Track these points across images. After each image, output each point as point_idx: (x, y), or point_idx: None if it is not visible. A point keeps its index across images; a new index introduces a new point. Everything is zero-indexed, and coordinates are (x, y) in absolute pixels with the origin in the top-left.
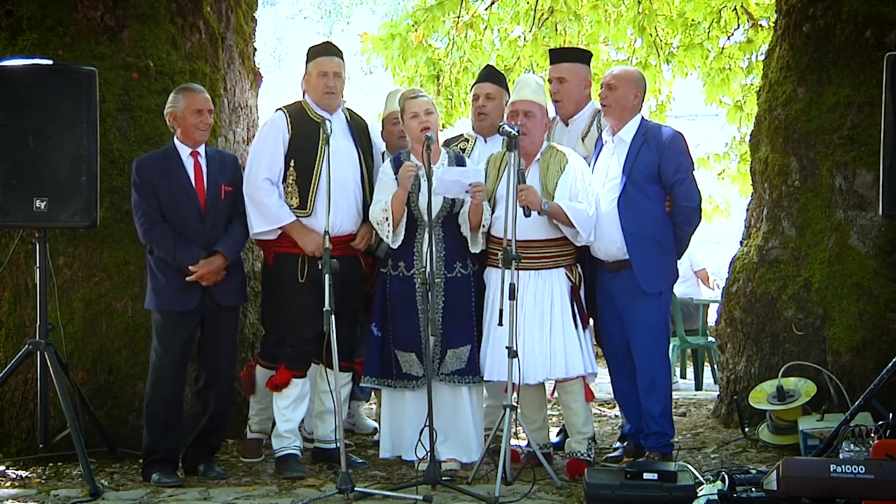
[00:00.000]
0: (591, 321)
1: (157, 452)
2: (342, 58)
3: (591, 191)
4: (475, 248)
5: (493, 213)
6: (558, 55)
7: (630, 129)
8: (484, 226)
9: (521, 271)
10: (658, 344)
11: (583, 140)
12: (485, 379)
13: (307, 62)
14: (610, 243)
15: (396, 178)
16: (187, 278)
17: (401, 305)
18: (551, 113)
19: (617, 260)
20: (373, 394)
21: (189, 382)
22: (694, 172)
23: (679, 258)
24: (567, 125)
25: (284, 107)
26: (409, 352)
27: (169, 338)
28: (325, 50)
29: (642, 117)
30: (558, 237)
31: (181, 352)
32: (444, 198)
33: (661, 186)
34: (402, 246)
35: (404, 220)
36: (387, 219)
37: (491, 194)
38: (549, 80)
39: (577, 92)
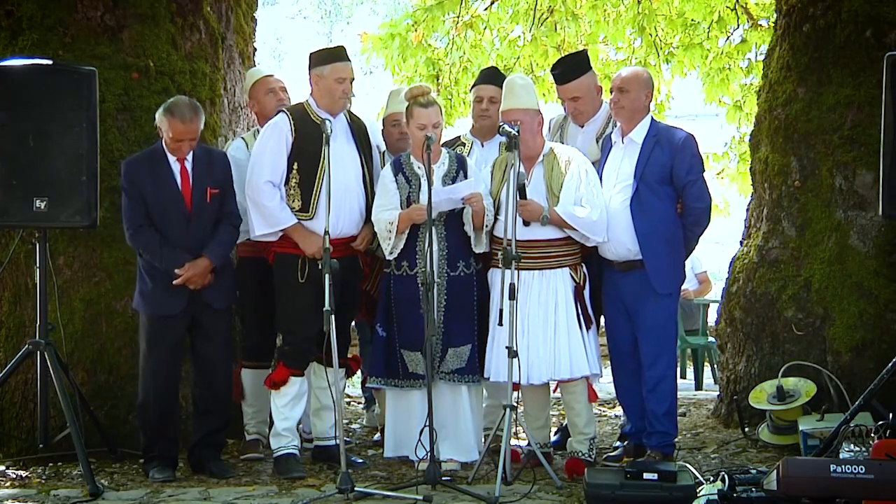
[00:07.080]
0: (599, 320)
1: (153, 451)
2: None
3: (596, 192)
4: (478, 249)
5: (496, 215)
6: (563, 74)
7: (641, 131)
8: (486, 226)
9: (524, 271)
10: (667, 344)
11: (598, 141)
12: (491, 379)
13: (319, 65)
14: (620, 244)
15: (398, 189)
16: (174, 282)
17: (406, 305)
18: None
19: (627, 260)
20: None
21: (189, 384)
22: (704, 174)
23: (687, 258)
24: (582, 126)
25: (287, 108)
26: (415, 351)
27: (155, 341)
28: (341, 54)
29: (652, 118)
30: (561, 237)
31: (169, 354)
32: None
33: (672, 188)
34: (405, 244)
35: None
36: (389, 236)
37: (495, 196)
38: (560, 99)
39: (590, 102)
